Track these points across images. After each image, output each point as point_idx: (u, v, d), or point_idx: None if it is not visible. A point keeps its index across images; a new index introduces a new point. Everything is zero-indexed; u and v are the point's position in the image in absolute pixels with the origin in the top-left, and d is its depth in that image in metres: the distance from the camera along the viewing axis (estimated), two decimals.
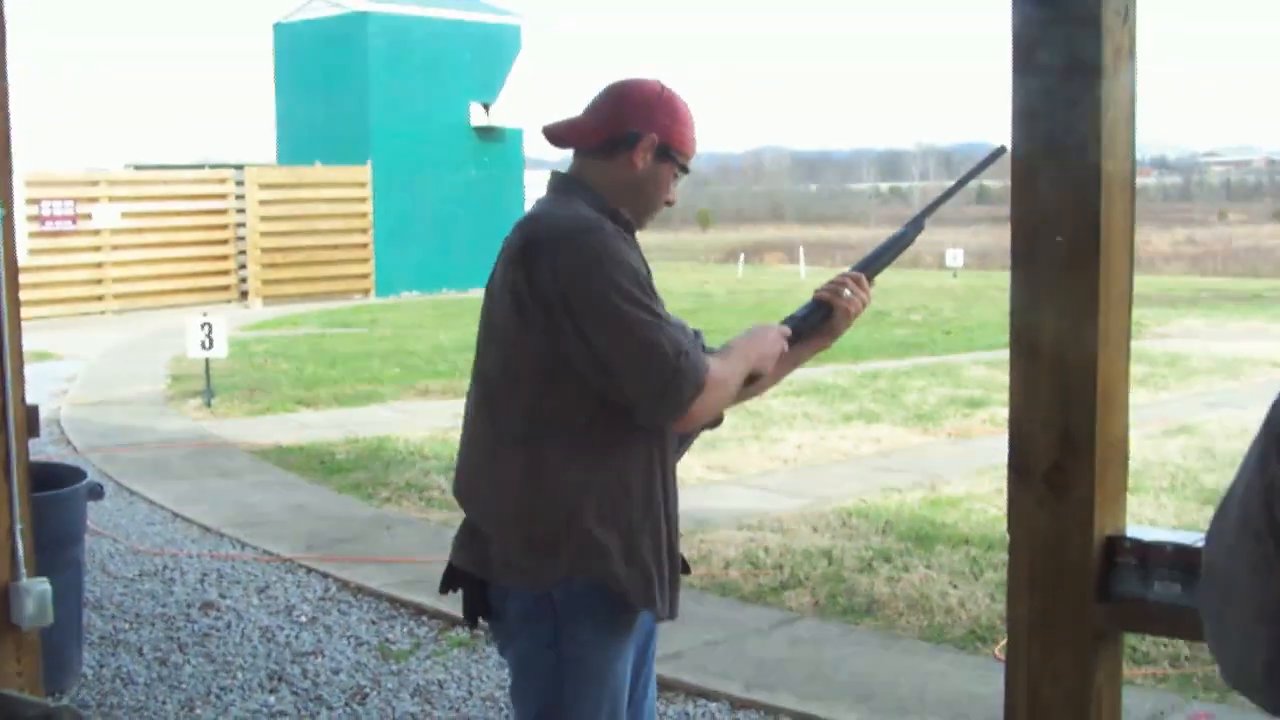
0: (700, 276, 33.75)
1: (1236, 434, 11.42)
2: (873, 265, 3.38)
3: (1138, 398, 13.10)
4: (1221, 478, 9.54)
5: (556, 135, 3.19)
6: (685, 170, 3.18)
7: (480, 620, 3.18)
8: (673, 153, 3.12)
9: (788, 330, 3.30)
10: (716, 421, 3.22)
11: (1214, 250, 47.21)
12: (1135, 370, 14.99)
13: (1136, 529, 2.71)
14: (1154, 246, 47.63)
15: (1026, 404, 2.63)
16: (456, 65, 28.33)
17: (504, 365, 3.02)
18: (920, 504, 8.84)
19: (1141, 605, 2.61)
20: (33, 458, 9.13)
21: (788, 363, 3.34)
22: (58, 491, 5.65)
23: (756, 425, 11.81)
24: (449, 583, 3.22)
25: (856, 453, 10.89)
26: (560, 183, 3.17)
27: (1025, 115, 2.57)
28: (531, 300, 2.90)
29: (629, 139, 3.08)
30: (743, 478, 9.91)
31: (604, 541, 2.96)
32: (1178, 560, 2.59)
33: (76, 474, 5.93)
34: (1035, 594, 2.65)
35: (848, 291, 3.31)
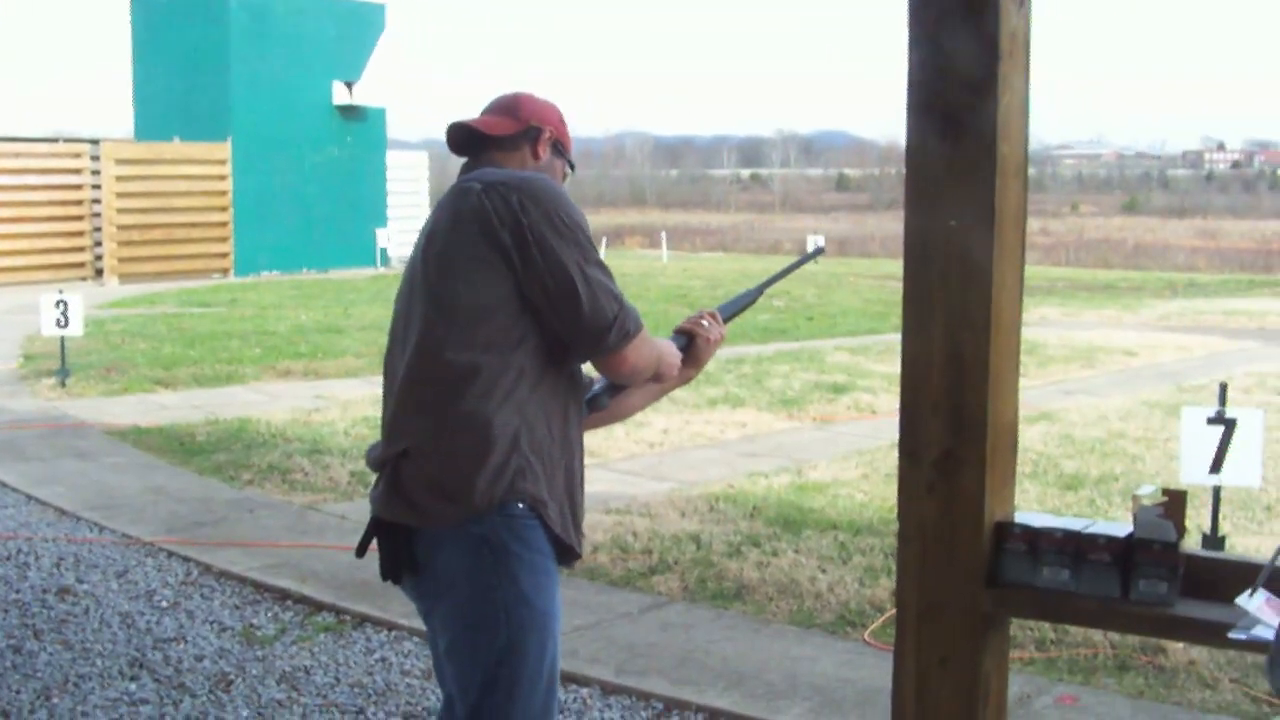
0: None
1: (1094, 421, 11.63)
2: (726, 310, 3.77)
3: None
4: (1080, 464, 9.71)
5: (468, 130, 3.38)
6: (573, 166, 3.50)
7: (403, 579, 3.24)
8: (563, 149, 3.44)
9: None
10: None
11: (1066, 241, 48.13)
12: None
13: (1025, 515, 2.71)
14: None
15: (917, 389, 2.61)
16: (319, 43, 27.97)
17: (468, 297, 3.11)
18: (787, 489, 8.87)
19: (1030, 591, 2.61)
20: None
21: (654, 393, 3.66)
22: None
23: None
24: (369, 539, 3.27)
25: (722, 438, 10.91)
26: (473, 166, 3.36)
27: (920, 97, 2.56)
28: (503, 230, 3.07)
29: (532, 132, 3.36)
30: (608, 462, 9.88)
31: (536, 468, 3.11)
32: (1066, 546, 2.60)
33: None
34: (925, 579, 2.64)
35: (705, 323, 3.62)
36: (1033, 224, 54.22)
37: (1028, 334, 17.34)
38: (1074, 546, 2.60)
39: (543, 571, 3.13)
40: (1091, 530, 2.62)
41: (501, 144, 3.33)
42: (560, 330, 3.11)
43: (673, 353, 3.44)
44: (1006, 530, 2.64)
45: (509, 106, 3.40)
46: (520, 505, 3.08)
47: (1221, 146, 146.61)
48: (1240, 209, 75.61)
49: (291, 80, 27.55)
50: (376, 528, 3.22)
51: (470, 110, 3.48)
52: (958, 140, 2.53)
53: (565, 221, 3.08)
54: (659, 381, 3.51)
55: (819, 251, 4.28)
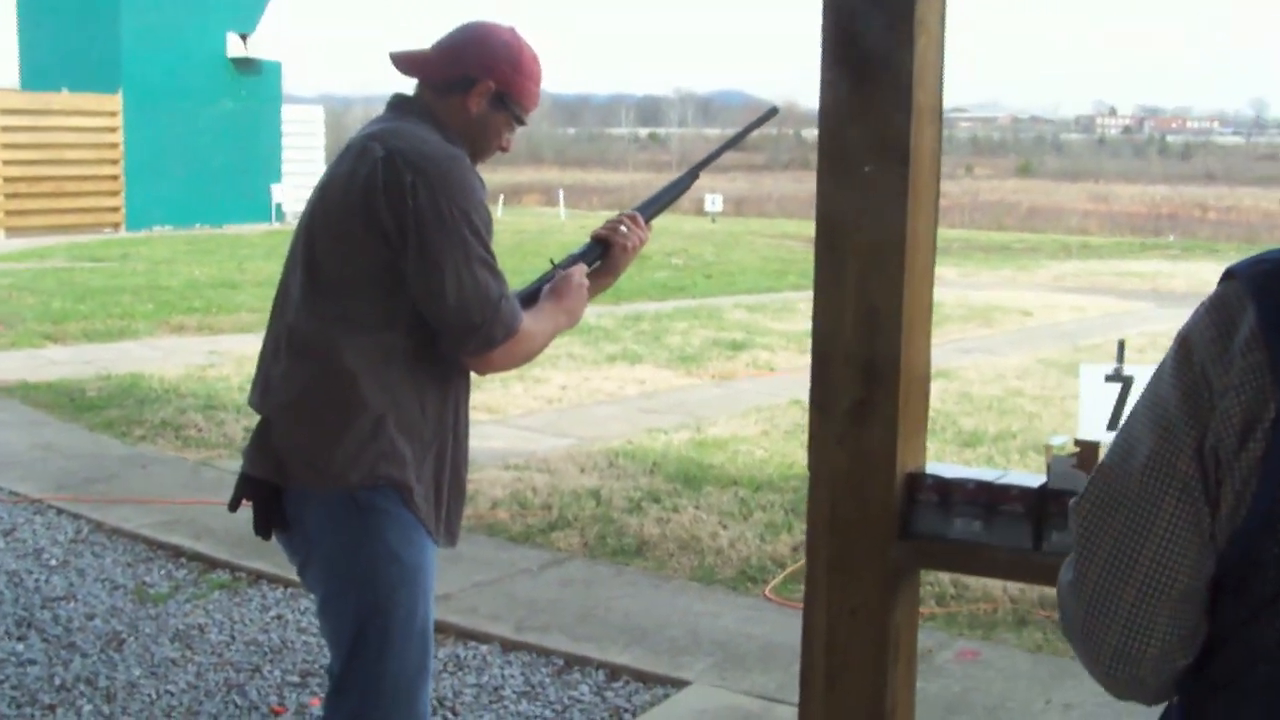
0: None
1: (991, 379, 11.72)
2: (650, 207, 3.51)
3: None
4: (978, 421, 9.78)
5: (402, 63, 3.21)
6: (521, 121, 3.23)
7: (274, 535, 3.15)
8: (509, 102, 3.17)
9: (584, 268, 3.37)
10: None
11: (961, 203, 48.42)
12: None
13: (937, 465, 2.68)
14: None
15: (829, 339, 2.57)
16: None
17: (340, 266, 3.01)
18: (687, 445, 8.86)
19: (941, 543, 2.59)
20: None
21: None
22: None
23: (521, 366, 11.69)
24: (240, 495, 3.18)
25: (621, 394, 10.87)
26: (403, 104, 3.19)
27: (834, 40, 2.51)
28: (387, 209, 2.92)
29: (465, 82, 3.12)
30: (507, 418, 9.81)
31: (403, 451, 2.99)
32: (978, 497, 2.57)
33: None
34: (835, 531, 2.60)
35: (624, 228, 3.40)
36: None
37: None
38: (986, 497, 2.57)
39: (412, 527, 3.04)
40: (1004, 481, 2.59)
41: (434, 86, 3.14)
42: (431, 320, 2.98)
43: (559, 326, 3.25)
44: (918, 481, 2.61)
45: (453, 46, 3.16)
46: (388, 485, 2.99)
47: (1113, 112, 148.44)
48: (1131, 173, 76.59)
49: (184, 31, 27.04)
50: (246, 484, 3.13)
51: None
52: (872, 85, 2.48)
53: (454, 213, 2.92)
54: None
55: (773, 112, 3.72)
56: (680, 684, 5.06)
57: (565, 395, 10.73)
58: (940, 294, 15.57)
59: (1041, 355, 13.25)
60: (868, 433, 2.56)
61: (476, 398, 9.52)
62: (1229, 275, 1.57)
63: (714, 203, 33.97)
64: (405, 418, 3.00)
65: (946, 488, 2.59)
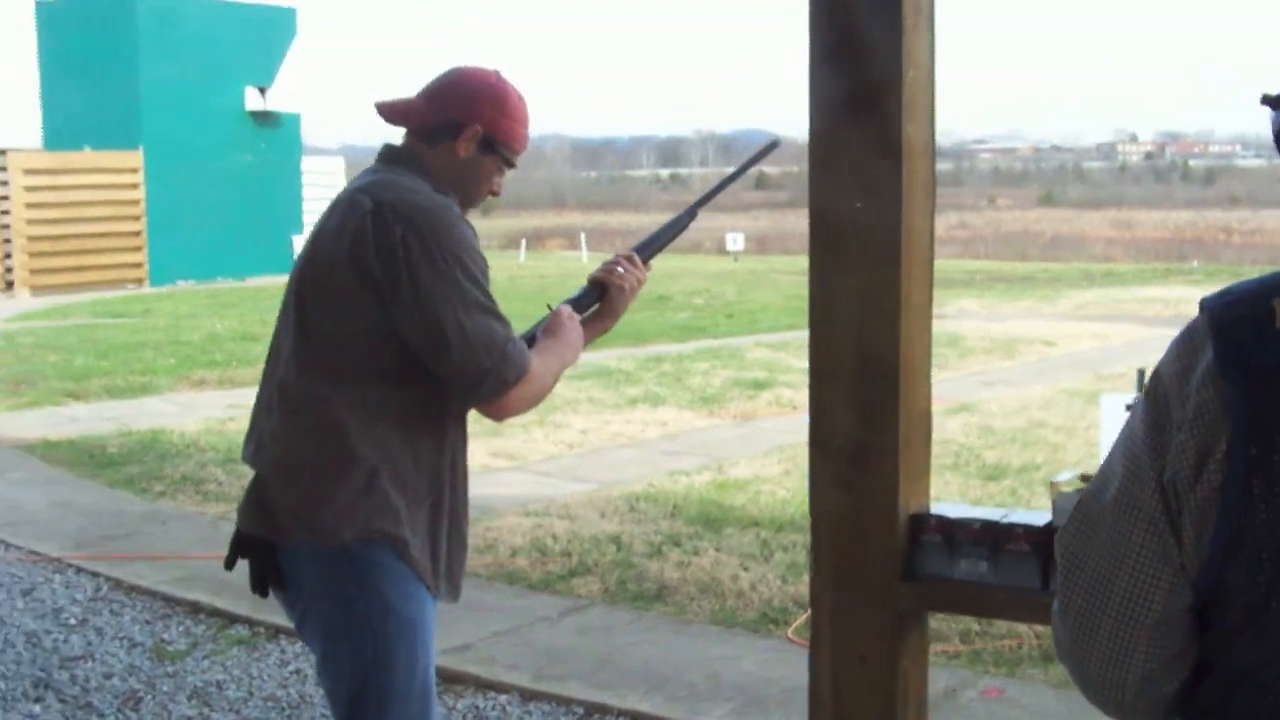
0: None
1: (1014, 411, 11.64)
2: (648, 248, 3.47)
3: None
4: (1001, 454, 9.70)
5: (387, 112, 3.17)
6: (510, 164, 3.19)
7: (271, 592, 3.11)
8: (498, 146, 3.13)
9: (569, 309, 3.33)
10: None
11: (984, 234, 48.39)
12: None
13: (942, 505, 2.63)
14: None
15: (826, 377, 2.53)
16: (230, 48, 27.61)
17: (330, 320, 2.98)
18: (708, 487, 8.80)
19: (947, 585, 2.53)
20: None
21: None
22: None
23: (540, 410, 11.63)
24: (236, 553, 3.13)
25: (642, 436, 10.82)
26: (392, 155, 3.15)
27: (823, 73, 2.47)
28: (377, 262, 2.88)
29: (451, 127, 3.08)
30: (527, 464, 9.77)
31: (396, 505, 2.95)
32: (984, 537, 2.52)
33: None
34: (838, 575, 2.55)
35: (621, 270, 3.36)
36: (950, 218, 54.66)
37: (947, 327, 17.46)
38: (992, 537, 2.52)
39: (409, 580, 3.00)
40: (1009, 520, 2.54)
41: (421, 134, 3.11)
42: (435, 373, 2.94)
43: (565, 362, 3.21)
44: (922, 522, 2.56)
45: (437, 91, 3.12)
46: (377, 545, 2.95)
47: (1134, 138, 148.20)
48: (1154, 199, 76.35)
49: (203, 86, 27.19)
50: (240, 541, 3.09)
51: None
52: (861, 120, 2.44)
53: (448, 261, 2.88)
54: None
55: (774, 145, 3.66)
56: None
57: (585, 439, 10.68)
58: (962, 326, 15.63)
59: (1064, 385, 13.16)
60: (868, 473, 2.51)
61: (496, 444, 9.54)
62: (1200, 307, 1.56)
63: (735, 241, 33.91)
64: (398, 471, 2.96)
65: (951, 528, 2.54)
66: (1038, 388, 13.04)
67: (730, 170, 3.58)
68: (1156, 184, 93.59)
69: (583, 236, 38.24)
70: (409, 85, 3.18)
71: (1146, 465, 1.57)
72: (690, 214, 3.54)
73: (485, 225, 58.23)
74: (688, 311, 20.40)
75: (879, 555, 2.52)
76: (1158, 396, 1.58)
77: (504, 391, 2.94)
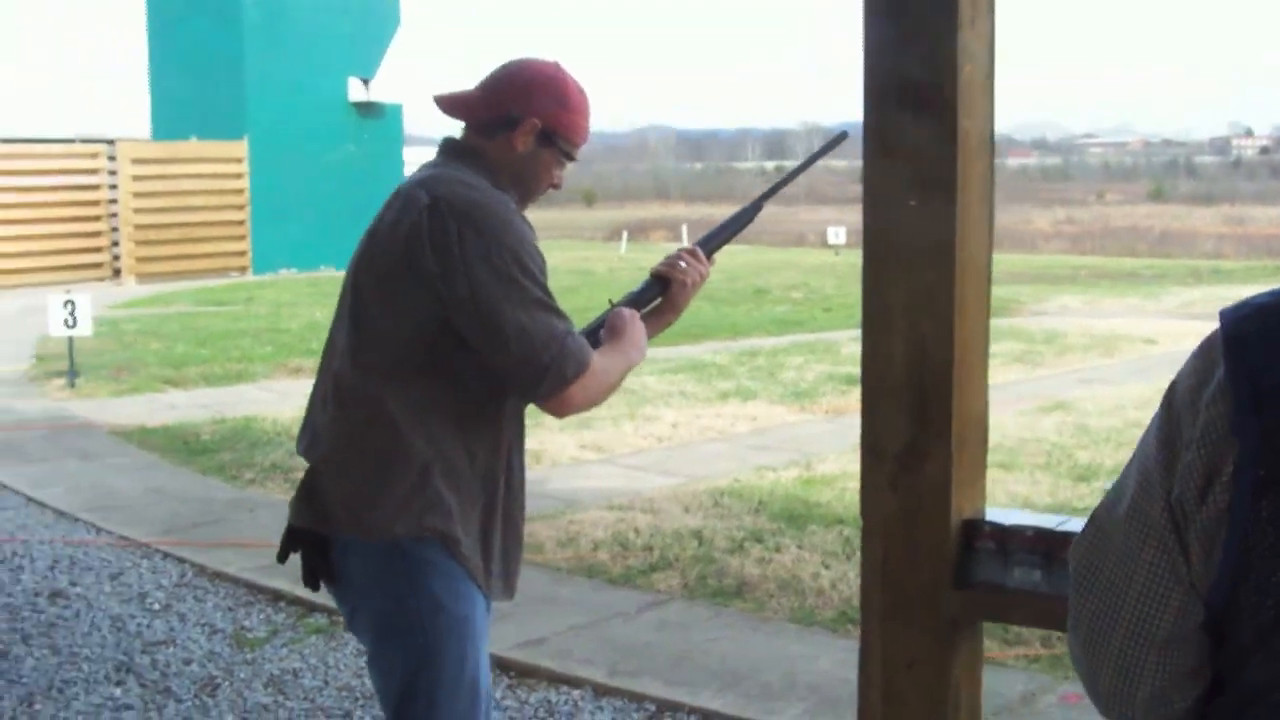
0: (583, 254, 33.49)
1: (1110, 410, 11.45)
2: (711, 241, 3.38)
3: (1012, 374, 13.16)
4: (1095, 454, 9.55)
5: (446, 106, 3.16)
6: (570, 157, 3.13)
7: (323, 585, 3.10)
8: (557, 139, 3.07)
9: (633, 312, 3.27)
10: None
11: (1092, 229, 47.70)
12: (1012, 347, 15.00)
13: (996, 511, 2.56)
14: (1035, 225, 48.07)
15: (879, 378, 2.48)
16: (334, 39, 27.84)
17: (384, 315, 2.96)
18: (794, 483, 8.73)
19: (1000, 592, 2.47)
20: None
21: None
22: None
23: (631, 403, 11.66)
24: (288, 546, 3.13)
25: (732, 431, 10.76)
26: (452, 148, 3.14)
27: (877, 69, 2.42)
28: (433, 258, 2.85)
29: (509, 121, 3.04)
30: (615, 457, 9.75)
31: (448, 503, 2.93)
32: (1038, 545, 2.45)
33: None
34: (888, 580, 2.50)
35: (683, 264, 3.28)
36: (1058, 213, 53.97)
37: (1047, 323, 17.25)
38: (1045, 545, 2.45)
39: (459, 578, 2.97)
40: (1064, 528, 2.47)
41: (480, 127, 3.09)
42: (495, 369, 2.92)
43: (630, 362, 3.13)
44: (975, 528, 2.50)
45: (494, 84, 3.09)
46: (429, 541, 2.93)
47: (1249, 133, 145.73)
48: (1268, 195, 74.88)
49: (307, 77, 27.44)
50: (292, 535, 3.09)
51: None
52: (915, 116, 2.38)
53: (504, 257, 2.84)
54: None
55: (843, 137, 3.45)
56: None
57: (675, 433, 10.64)
58: (1062, 323, 15.41)
59: (1162, 385, 12.64)
60: (920, 477, 2.45)
61: (585, 437, 9.55)
62: (1220, 318, 1.50)
63: (837, 235, 33.68)
64: (452, 468, 2.93)
65: (1004, 535, 2.47)
66: (1136, 387, 12.80)
67: (795, 164, 3.54)
68: (1272, 179, 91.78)
69: (684, 228, 38.11)
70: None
71: (1157, 482, 1.52)
72: (756, 207, 3.46)
73: (589, 216, 58.42)
74: (785, 305, 20.29)
75: (929, 561, 2.46)
76: (1171, 410, 1.53)
77: (563, 387, 2.90)
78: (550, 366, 2.86)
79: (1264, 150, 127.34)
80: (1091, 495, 8.30)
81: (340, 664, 5.69)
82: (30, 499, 8.63)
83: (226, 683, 5.53)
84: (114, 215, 24.63)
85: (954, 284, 2.38)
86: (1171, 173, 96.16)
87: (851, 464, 9.25)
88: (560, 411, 3.01)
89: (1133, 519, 1.55)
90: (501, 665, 5.62)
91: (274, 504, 8.35)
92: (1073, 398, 12.09)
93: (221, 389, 12.80)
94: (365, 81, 28.60)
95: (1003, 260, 31.29)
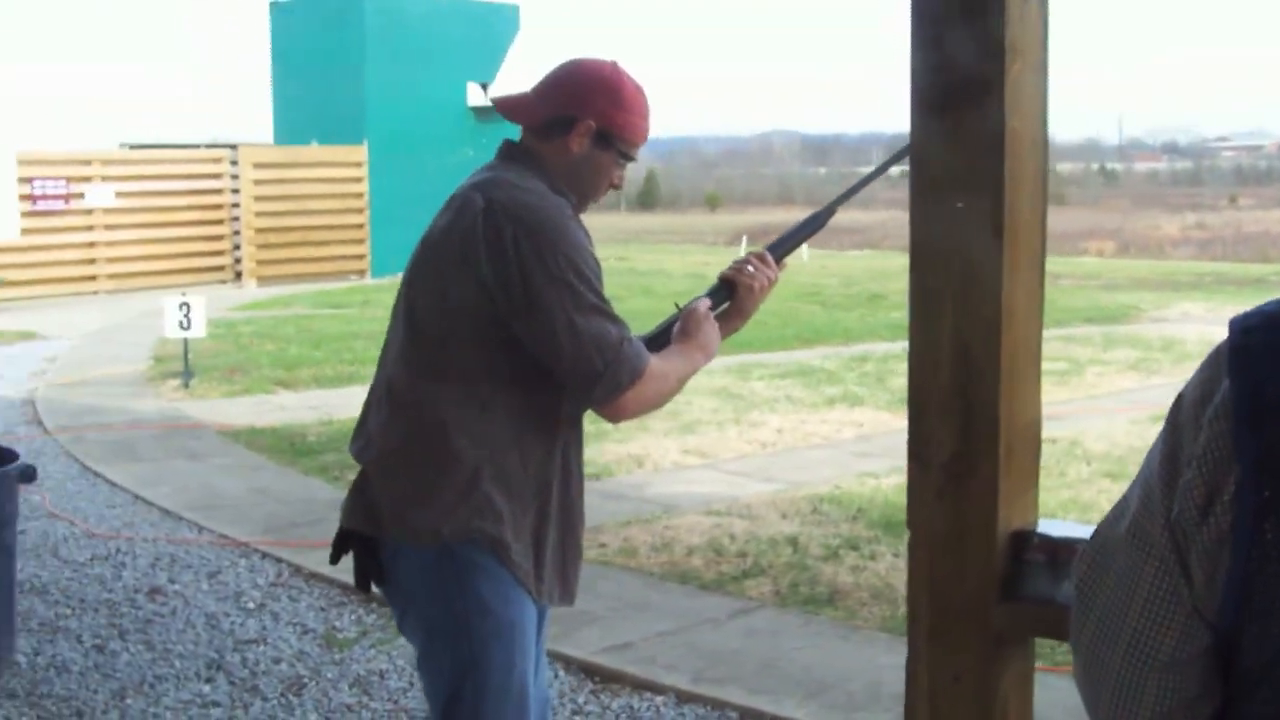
0: (702, 259, 33.41)
1: None
2: (781, 246, 3.34)
3: (1127, 382, 12.93)
4: None
5: (505, 109, 3.16)
6: (628, 158, 3.12)
7: (373, 586, 3.12)
8: (615, 140, 3.06)
9: (707, 301, 3.23)
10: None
11: (1223, 235, 46.76)
12: (1128, 355, 14.72)
13: (1048, 523, 2.48)
14: (1163, 231, 47.25)
15: (924, 387, 2.41)
16: (454, 45, 28.06)
17: (439, 319, 2.96)
18: (895, 490, 8.62)
19: (1050, 607, 2.38)
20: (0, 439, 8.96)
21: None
22: None
23: (738, 408, 11.61)
24: (340, 548, 3.15)
25: (837, 437, 10.67)
26: (510, 151, 3.12)
27: (922, 63, 2.35)
28: (488, 263, 2.85)
29: (564, 123, 3.03)
30: (717, 462, 9.71)
31: (499, 507, 2.91)
32: None
33: (6, 456, 5.72)
34: (935, 592, 2.43)
35: (751, 269, 3.24)
36: (1188, 218, 52.98)
37: (1166, 330, 16.93)
38: None
39: (508, 583, 2.95)
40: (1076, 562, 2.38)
41: (536, 129, 3.08)
42: (555, 371, 2.91)
43: (695, 364, 3.10)
44: (1024, 540, 2.42)
45: (549, 86, 3.08)
46: (477, 545, 2.91)
47: None
48: None
49: (426, 82, 27.67)
50: (344, 537, 3.09)
51: None
52: (961, 115, 2.32)
53: (559, 262, 2.84)
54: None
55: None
56: None
57: (780, 439, 10.57)
58: (1181, 330, 15.09)
59: None
60: (967, 488, 2.38)
61: (689, 441, 9.51)
62: (1229, 327, 1.42)
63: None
64: (503, 472, 2.92)
65: (1055, 548, 2.39)
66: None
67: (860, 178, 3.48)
68: None
69: (744, 239, 37.88)
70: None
71: (1159, 499, 1.44)
72: (829, 211, 3.40)
73: (712, 221, 58.33)
74: (900, 311, 20.06)
75: (975, 573, 2.39)
76: (1176, 424, 1.45)
77: (617, 394, 2.89)
78: (604, 373, 2.86)
79: None
80: None
81: None
82: (138, 497, 8.77)
83: (313, 682, 5.57)
84: (236, 219, 24.99)
85: (1000, 291, 2.31)
86: None
87: None
88: (615, 417, 2.99)
89: (1133, 537, 1.47)
90: (586, 670, 5.61)
91: None
92: None
93: (332, 390, 12.92)
94: (484, 86, 28.78)
95: (1128, 266, 30.81)
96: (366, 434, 3.08)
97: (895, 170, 3.34)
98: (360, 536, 3.04)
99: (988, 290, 2.32)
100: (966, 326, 2.34)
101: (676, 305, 3.27)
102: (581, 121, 3.01)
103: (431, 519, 2.90)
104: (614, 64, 3.07)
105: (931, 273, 2.37)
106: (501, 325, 2.88)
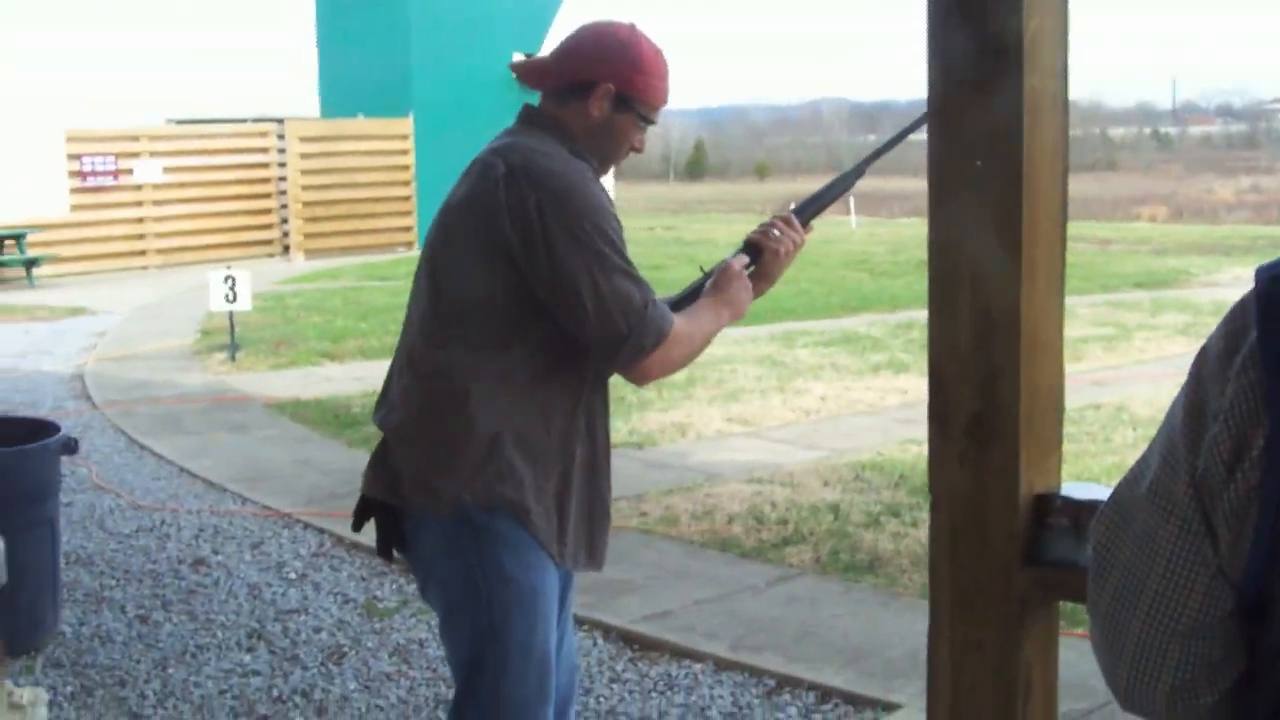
0: (749, 228, 33.23)
1: None
2: (808, 209, 3.31)
3: (1176, 347, 12.81)
4: None
5: (523, 74, 3.14)
6: (649, 121, 3.08)
7: (395, 554, 3.12)
8: (634, 103, 3.02)
9: (743, 259, 3.22)
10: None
11: (1279, 198, 46.31)
12: (1177, 319, 14.60)
13: (1071, 486, 2.45)
14: (1217, 195, 46.85)
15: (945, 347, 2.38)
16: (498, 16, 27.99)
17: (461, 285, 2.95)
18: None
19: (1073, 572, 2.36)
20: (47, 412, 9.04)
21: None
22: (23, 447, 5.49)
23: (782, 376, 11.57)
24: (361, 516, 3.15)
25: (881, 404, 10.62)
26: (530, 116, 3.08)
27: (941, 23, 2.32)
28: (511, 228, 2.83)
29: (583, 86, 2.99)
30: (760, 430, 9.68)
31: (520, 473, 2.90)
32: None
33: (49, 429, 5.76)
34: (957, 557, 2.42)
35: (776, 232, 3.21)
36: (1243, 181, 52.45)
37: (1218, 294, 16.74)
38: None
39: (530, 549, 2.94)
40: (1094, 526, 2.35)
41: (555, 94, 3.04)
42: (578, 335, 2.89)
43: (720, 321, 3.09)
44: (1047, 504, 2.40)
45: (566, 50, 3.04)
46: (498, 510, 2.90)
47: None
48: None
49: (472, 54, 27.61)
50: (365, 505, 3.09)
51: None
52: (979, 75, 2.28)
53: (584, 226, 2.82)
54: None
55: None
56: (891, 707, 4.87)
57: (824, 406, 10.54)
58: (1233, 294, 14.90)
59: None
60: (988, 451, 2.36)
61: (733, 409, 9.48)
62: (1255, 276, 1.37)
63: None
64: (525, 438, 2.91)
65: (1078, 511, 2.37)
66: None
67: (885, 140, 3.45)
68: None
69: (851, 201, 37.68)
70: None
71: (1182, 456, 1.38)
72: (856, 173, 3.40)
73: (761, 189, 58.17)
74: None
75: (998, 538, 2.37)
76: (1200, 378, 1.39)
77: (641, 357, 2.88)
78: (629, 336, 2.85)
79: None
80: None
81: None
82: (183, 469, 8.82)
83: (353, 651, 5.59)
84: (283, 193, 25.05)
85: (1020, 251, 2.28)
86: None
87: None
88: (640, 380, 3.00)
89: (1155, 496, 1.42)
90: (626, 638, 5.61)
91: None
92: None
93: (377, 362, 12.92)
94: (530, 57, 28.72)
95: (1180, 231, 30.53)
96: (389, 403, 3.08)
97: None
98: (381, 505, 3.03)
99: (1010, 253, 2.29)
100: (986, 289, 2.32)
101: (701, 269, 3.25)
102: (600, 85, 2.98)
103: (453, 486, 2.89)
104: (631, 26, 3.04)
105: (952, 234, 2.35)
106: (524, 291, 2.86)
